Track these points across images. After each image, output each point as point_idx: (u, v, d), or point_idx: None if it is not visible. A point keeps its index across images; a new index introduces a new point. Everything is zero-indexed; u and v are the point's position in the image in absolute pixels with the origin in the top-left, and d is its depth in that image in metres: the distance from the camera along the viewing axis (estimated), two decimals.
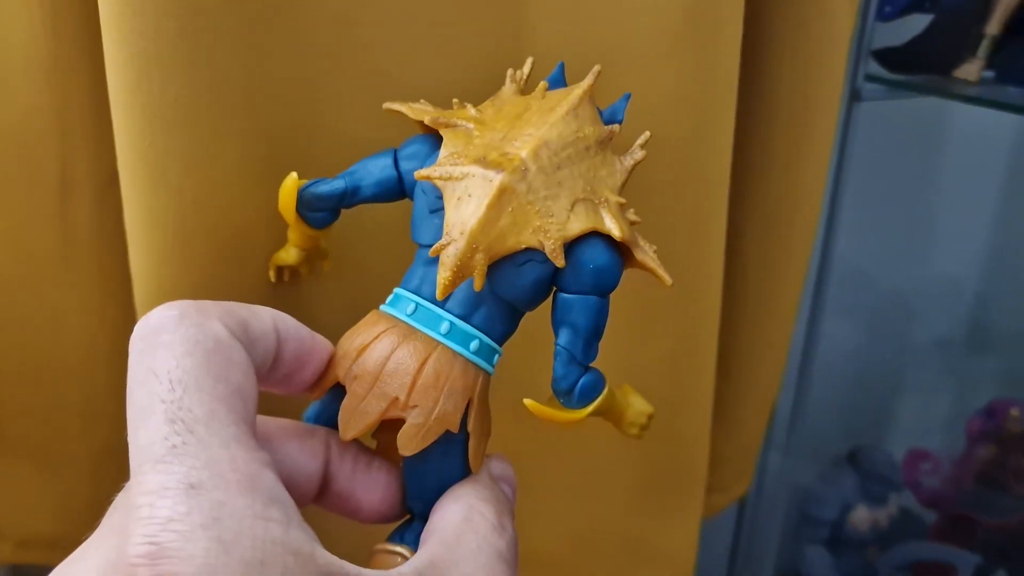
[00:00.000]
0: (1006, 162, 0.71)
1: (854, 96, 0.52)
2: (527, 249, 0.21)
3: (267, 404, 0.22)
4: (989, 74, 0.50)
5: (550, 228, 0.21)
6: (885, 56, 0.52)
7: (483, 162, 0.21)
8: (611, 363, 0.40)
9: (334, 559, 0.17)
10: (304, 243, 0.28)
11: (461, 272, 0.20)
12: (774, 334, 0.51)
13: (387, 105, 0.25)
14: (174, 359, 0.17)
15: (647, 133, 0.24)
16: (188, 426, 0.16)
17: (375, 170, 0.24)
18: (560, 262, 0.21)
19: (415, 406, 0.21)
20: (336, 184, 0.25)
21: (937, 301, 0.75)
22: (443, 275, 0.20)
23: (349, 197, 0.25)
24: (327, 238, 0.29)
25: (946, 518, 0.62)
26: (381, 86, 0.30)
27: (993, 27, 0.49)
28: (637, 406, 0.25)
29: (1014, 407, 0.63)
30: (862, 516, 0.62)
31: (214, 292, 0.33)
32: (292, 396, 0.23)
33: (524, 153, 0.21)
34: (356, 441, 0.22)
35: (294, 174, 0.25)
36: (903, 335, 0.76)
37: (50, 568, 0.17)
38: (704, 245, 0.40)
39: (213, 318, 0.19)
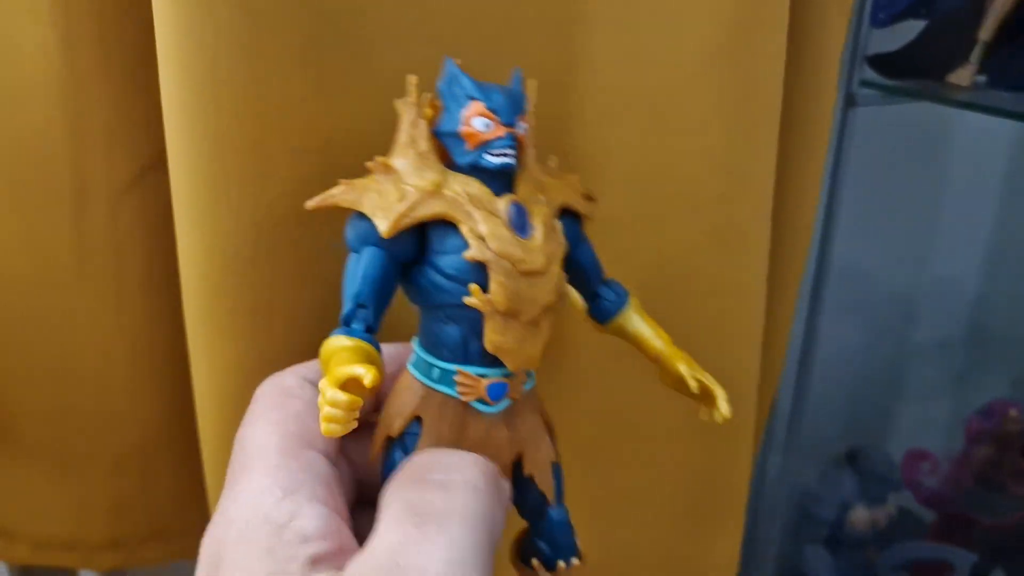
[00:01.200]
0: (1004, 165, 0.72)
1: (850, 101, 0.53)
2: None
3: None
4: (982, 79, 0.51)
5: None
6: (880, 62, 0.53)
7: None
8: (656, 386, 0.42)
9: (315, 528, 0.21)
10: None
11: None
12: (772, 334, 0.52)
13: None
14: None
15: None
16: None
17: None
18: None
19: None
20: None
21: (937, 302, 0.75)
22: None
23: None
24: None
25: (944, 517, 0.62)
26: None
27: (985, 33, 0.49)
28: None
29: (1013, 408, 0.63)
30: (861, 515, 0.62)
31: (272, 317, 0.33)
32: None
33: None
34: None
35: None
36: (903, 336, 0.76)
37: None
38: (747, 262, 0.41)
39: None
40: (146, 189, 0.39)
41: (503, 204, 0.24)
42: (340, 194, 0.24)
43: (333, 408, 0.20)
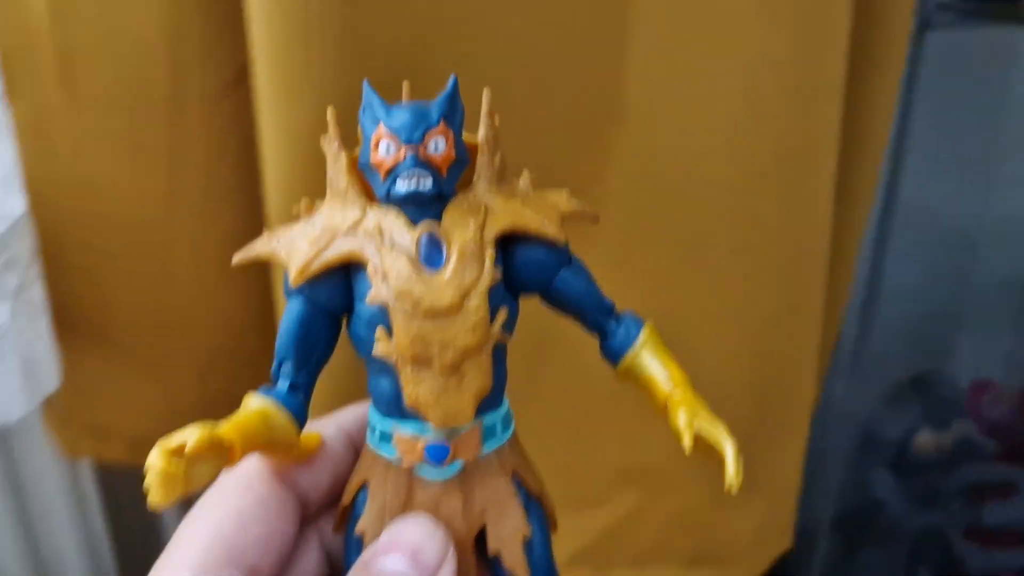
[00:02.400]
0: None
1: (924, 24, 0.52)
2: None
3: None
4: None
5: None
6: None
7: None
8: (724, 312, 0.42)
9: None
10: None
11: None
12: (840, 262, 0.52)
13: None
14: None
15: None
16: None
17: None
18: None
19: None
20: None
21: (1002, 240, 0.74)
22: None
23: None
24: None
25: (1008, 444, 0.62)
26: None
27: None
28: None
29: None
30: (926, 440, 0.63)
31: None
32: None
33: None
34: None
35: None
36: (966, 273, 0.75)
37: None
38: (815, 181, 0.41)
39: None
40: (237, 98, 0.41)
41: (414, 235, 0.21)
42: (261, 244, 0.22)
43: (148, 478, 0.18)
